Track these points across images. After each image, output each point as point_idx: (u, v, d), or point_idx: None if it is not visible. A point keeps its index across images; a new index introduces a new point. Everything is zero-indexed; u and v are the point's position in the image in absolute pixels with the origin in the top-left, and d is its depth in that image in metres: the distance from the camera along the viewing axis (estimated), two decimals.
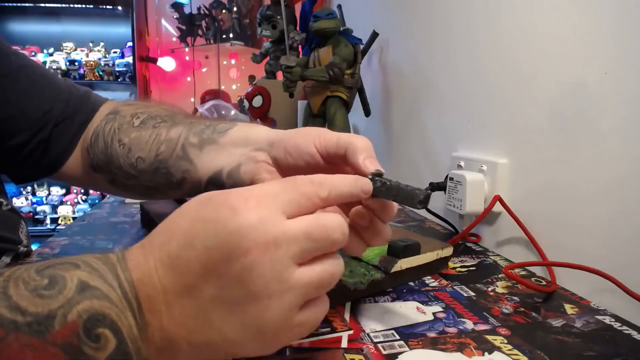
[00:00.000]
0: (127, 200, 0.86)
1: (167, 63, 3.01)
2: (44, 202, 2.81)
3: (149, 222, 0.65)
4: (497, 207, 0.59)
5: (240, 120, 0.44)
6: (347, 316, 0.40)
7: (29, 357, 0.21)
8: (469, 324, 0.39)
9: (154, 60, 2.97)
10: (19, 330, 0.21)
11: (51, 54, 2.71)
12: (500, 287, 0.47)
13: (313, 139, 0.36)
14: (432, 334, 0.37)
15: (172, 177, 0.43)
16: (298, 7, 1.40)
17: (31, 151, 0.46)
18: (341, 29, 0.95)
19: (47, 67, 2.61)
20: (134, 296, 0.23)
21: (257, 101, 1.25)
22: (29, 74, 0.47)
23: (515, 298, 0.45)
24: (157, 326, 0.23)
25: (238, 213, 0.23)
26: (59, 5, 2.75)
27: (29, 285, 0.22)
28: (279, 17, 1.28)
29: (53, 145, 0.47)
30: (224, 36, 2.86)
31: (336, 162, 0.36)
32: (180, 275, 0.23)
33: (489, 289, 0.47)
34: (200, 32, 2.89)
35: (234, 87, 3.08)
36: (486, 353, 0.34)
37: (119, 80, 2.76)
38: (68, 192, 2.85)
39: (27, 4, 2.70)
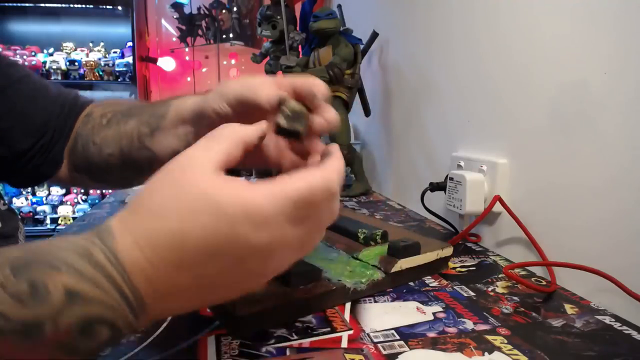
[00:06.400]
0: (127, 199, 0.86)
1: (167, 63, 3.01)
2: (44, 202, 2.81)
3: None
4: (497, 207, 0.59)
5: (176, 97, 0.46)
6: (347, 316, 0.40)
7: (19, 356, 0.21)
8: (469, 324, 0.39)
9: (154, 60, 2.97)
10: (5, 334, 0.20)
11: (51, 54, 2.71)
12: (500, 287, 0.47)
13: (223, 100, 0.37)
14: (432, 334, 0.37)
15: (140, 167, 0.45)
16: (298, 7, 1.40)
17: (32, 156, 0.47)
18: (341, 29, 0.95)
19: (47, 67, 2.63)
20: (132, 291, 0.23)
21: None
22: (29, 83, 0.48)
23: (515, 298, 0.45)
24: (161, 308, 0.24)
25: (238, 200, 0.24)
26: (59, 5, 2.75)
27: (7, 288, 0.21)
28: (279, 17, 1.28)
29: (52, 149, 0.48)
30: (224, 36, 2.86)
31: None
32: (200, 265, 0.24)
33: (489, 289, 0.47)
34: (200, 32, 2.88)
35: None
36: (486, 353, 0.34)
37: (119, 80, 2.76)
38: (68, 192, 2.85)
39: (27, 4, 2.70)
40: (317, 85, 0.34)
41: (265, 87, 0.34)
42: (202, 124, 0.39)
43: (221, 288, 0.26)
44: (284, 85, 0.35)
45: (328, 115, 0.34)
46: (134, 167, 0.46)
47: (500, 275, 0.51)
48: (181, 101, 0.42)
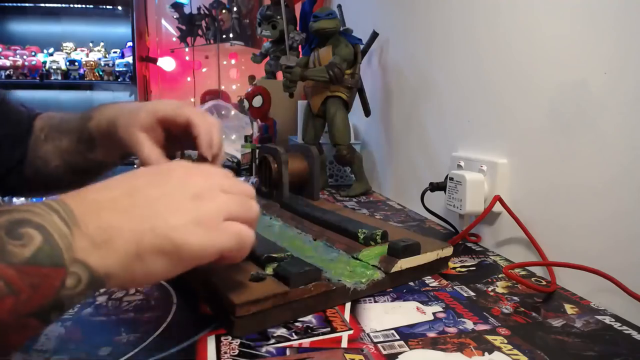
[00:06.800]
0: None
1: (167, 63, 3.02)
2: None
3: None
4: (497, 207, 0.59)
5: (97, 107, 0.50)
6: (347, 316, 0.40)
7: None
8: (469, 324, 0.39)
9: (154, 60, 2.97)
10: None
11: (51, 54, 2.71)
12: (500, 287, 0.47)
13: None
14: (432, 334, 0.37)
15: (88, 171, 0.51)
16: (298, 7, 1.40)
17: (16, 165, 0.51)
18: (341, 29, 0.95)
19: (47, 67, 2.63)
20: (63, 207, 0.25)
21: (257, 101, 1.26)
22: (10, 99, 0.53)
23: (515, 298, 0.45)
24: (96, 223, 0.26)
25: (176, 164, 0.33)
26: (59, 5, 2.76)
27: None
28: (279, 17, 1.28)
29: (25, 159, 0.51)
30: (224, 36, 2.86)
31: None
32: (126, 185, 0.29)
33: (489, 289, 0.47)
34: (200, 32, 2.88)
35: (234, 87, 3.08)
36: (486, 353, 0.34)
37: (119, 80, 2.76)
38: None
39: (27, 4, 2.70)
40: (188, 120, 0.42)
41: (146, 144, 0.42)
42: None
43: (151, 200, 0.28)
44: (159, 127, 0.43)
45: (201, 150, 0.42)
46: (83, 172, 0.51)
47: (500, 275, 0.51)
48: (97, 122, 0.46)
